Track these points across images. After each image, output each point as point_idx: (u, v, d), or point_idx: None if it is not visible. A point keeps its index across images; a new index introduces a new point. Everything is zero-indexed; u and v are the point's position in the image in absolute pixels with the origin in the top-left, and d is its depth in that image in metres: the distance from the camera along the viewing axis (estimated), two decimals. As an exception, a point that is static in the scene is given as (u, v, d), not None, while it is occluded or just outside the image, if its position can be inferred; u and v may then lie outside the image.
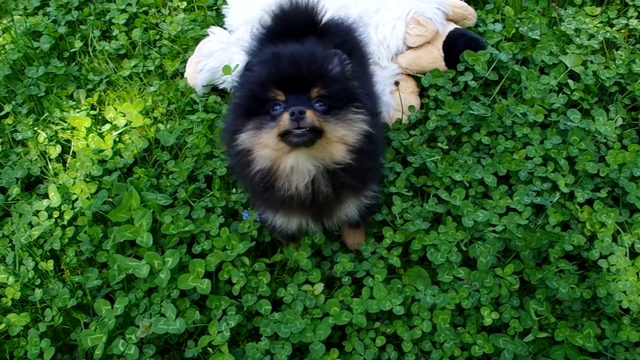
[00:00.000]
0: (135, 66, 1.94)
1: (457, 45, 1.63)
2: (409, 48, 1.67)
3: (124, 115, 1.75)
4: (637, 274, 1.31)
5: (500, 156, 1.47)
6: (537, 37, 1.66)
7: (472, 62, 1.59)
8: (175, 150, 1.66)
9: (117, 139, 1.70)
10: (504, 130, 1.52)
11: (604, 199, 1.41)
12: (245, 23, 1.77)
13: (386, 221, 1.42)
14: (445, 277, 1.32)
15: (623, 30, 1.72)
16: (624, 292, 1.28)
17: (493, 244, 1.32)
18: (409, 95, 1.64)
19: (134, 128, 1.71)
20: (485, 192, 1.44)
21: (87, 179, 1.59)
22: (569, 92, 1.56)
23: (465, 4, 1.76)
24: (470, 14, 1.76)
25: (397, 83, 1.61)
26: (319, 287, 1.33)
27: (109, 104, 1.85)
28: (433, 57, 1.65)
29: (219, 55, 1.77)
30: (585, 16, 1.71)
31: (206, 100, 1.75)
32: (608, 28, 1.69)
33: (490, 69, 1.59)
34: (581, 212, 1.39)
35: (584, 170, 1.43)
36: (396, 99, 1.61)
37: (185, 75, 1.85)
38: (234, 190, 1.52)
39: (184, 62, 1.90)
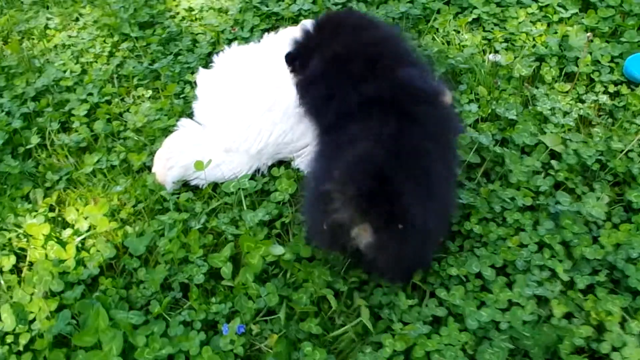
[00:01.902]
0: (98, 161, 1.77)
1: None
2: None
3: (86, 218, 1.57)
4: (651, 363, 1.20)
5: (494, 245, 1.36)
6: (514, 117, 1.60)
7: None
8: (145, 254, 1.48)
9: (79, 246, 1.51)
10: (494, 217, 1.42)
11: (603, 283, 1.31)
12: (218, 121, 1.63)
13: (382, 318, 1.28)
14: (454, 387, 1.17)
15: (593, 105, 1.68)
16: (642, 386, 1.16)
17: (502, 348, 1.19)
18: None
19: (99, 234, 1.53)
20: (483, 285, 1.32)
21: (47, 296, 1.39)
22: (553, 173, 1.49)
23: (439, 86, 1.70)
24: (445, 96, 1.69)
25: None
26: (319, 411, 1.16)
27: (69, 204, 1.66)
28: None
29: (192, 151, 1.62)
30: (558, 94, 1.66)
31: (177, 198, 1.59)
32: (580, 104, 1.65)
33: (472, 151, 1.51)
34: (585, 300, 1.28)
35: (582, 256, 1.33)
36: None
37: (153, 171, 1.69)
38: (213, 300, 1.35)
39: (151, 154, 1.75)
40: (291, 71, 1.38)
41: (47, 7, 2.51)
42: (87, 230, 1.54)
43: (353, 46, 1.25)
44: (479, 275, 1.33)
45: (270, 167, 1.65)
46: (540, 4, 1.97)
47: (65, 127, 1.95)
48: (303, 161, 1.60)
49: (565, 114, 1.61)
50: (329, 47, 1.27)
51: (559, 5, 1.94)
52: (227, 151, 1.60)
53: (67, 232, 1.54)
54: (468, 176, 1.53)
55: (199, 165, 1.57)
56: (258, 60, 1.66)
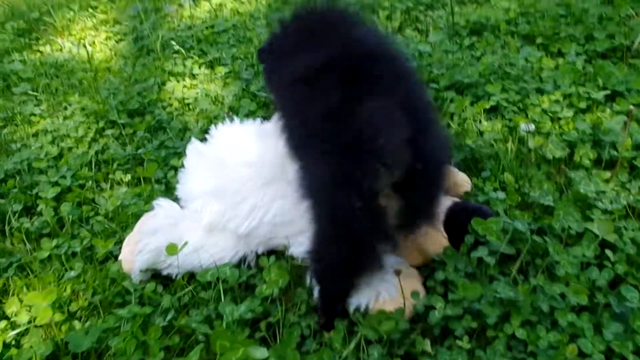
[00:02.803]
0: (57, 247, 1.51)
1: (459, 220, 1.31)
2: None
3: (30, 309, 1.27)
4: None
5: (545, 355, 1.05)
6: (551, 204, 1.36)
7: (482, 232, 1.25)
8: (92, 359, 1.16)
9: (12, 342, 1.20)
10: (541, 319, 1.12)
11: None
12: (206, 193, 1.40)
13: None
14: None
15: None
16: None
17: None
18: (411, 282, 1.24)
19: (39, 326, 1.22)
20: (535, 410, 0.99)
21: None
22: (609, 265, 1.21)
23: (455, 169, 1.49)
24: (462, 179, 1.48)
25: (398, 272, 1.20)
26: None
27: (14, 294, 1.37)
28: (435, 240, 1.30)
29: (166, 233, 1.37)
30: (599, 179, 1.44)
31: (143, 289, 1.31)
32: (628, 191, 1.42)
33: (506, 241, 1.25)
34: None
35: (663, 371, 1.01)
36: (397, 287, 1.21)
37: (119, 258, 1.42)
38: (171, 420, 1.01)
39: (119, 242, 1.49)
40: (260, 61, 1.43)
41: (36, 96, 2.40)
42: (27, 324, 1.24)
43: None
44: (529, 396, 1.00)
45: (257, 257, 1.39)
46: (563, 93, 1.82)
47: (29, 211, 1.72)
48: (301, 249, 1.34)
49: (612, 200, 1.38)
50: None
51: (585, 93, 1.80)
52: (210, 231, 1.35)
53: (1, 324, 1.24)
54: (501, 270, 1.26)
55: (172, 249, 1.31)
56: (259, 133, 1.46)
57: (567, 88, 1.84)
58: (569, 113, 1.72)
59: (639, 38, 2.07)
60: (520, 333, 1.09)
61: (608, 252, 1.22)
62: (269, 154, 1.37)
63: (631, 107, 1.44)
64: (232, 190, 1.33)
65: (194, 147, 1.52)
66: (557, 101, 1.78)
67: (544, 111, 1.76)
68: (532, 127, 1.57)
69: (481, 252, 1.22)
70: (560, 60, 2.02)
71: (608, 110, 1.69)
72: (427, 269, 1.28)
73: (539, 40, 2.19)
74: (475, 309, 1.14)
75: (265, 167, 1.34)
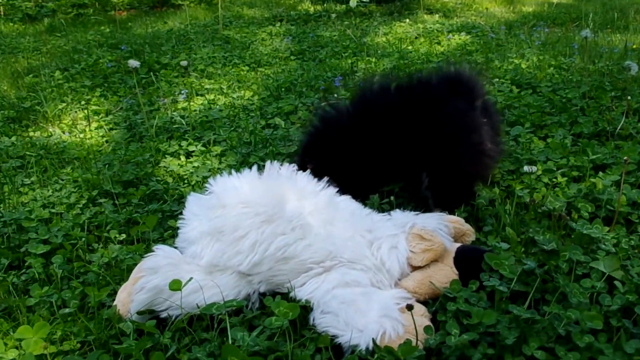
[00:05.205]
0: (47, 295, 1.52)
1: (469, 257, 1.40)
2: (415, 268, 1.41)
3: (19, 345, 1.25)
4: None
5: (567, 375, 1.08)
6: (555, 248, 1.46)
7: (495, 266, 1.32)
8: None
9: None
10: (558, 343, 1.16)
11: None
12: (205, 234, 1.46)
13: None
14: None
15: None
16: None
17: None
18: (420, 318, 1.28)
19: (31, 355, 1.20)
20: None
21: None
22: (619, 293, 1.28)
23: (462, 219, 1.59)
24: (468, 229, 1.57)
25: (410, 307, 1.23)
26: None
27: (-2, 337, 1.36)
28: (446, 276, 1.38)
29: (167, 271, 1.40)
30: (599, 226, 1.55)
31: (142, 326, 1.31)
32: (630, 237, 1.53)
33: (517, 276, 1.32)
34: None
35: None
36: (408, 320, 1.25)
37: (115, 302, 1.43)
38: None
39: (113, 295, 1.50)
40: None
41: (26, 170, 2.49)
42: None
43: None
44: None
45: (261, 301, 1.41)
46: (556, 164, 1.99)
47: (13, 265, 1.73)
48: (306, 290, 1.38)
49: (614, 245, 1.48)
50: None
51: (575, 163, 1.98)
52: (211, 271, 1.39)
53: (-15, 361, 1.22)
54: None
55: (176, 285, 1.34)
56: (256, 178, 1.57)
57: (558, 160, 2.02)
58: (562, 179, 1.88)
59: (621, 124, 2.31)
60: (540, 354, 1.12)
61: (617, 283, 1.30)
62: (266, 194, 1.47)
63: (625, 158, 1.59)
64: (231, 228, 1.40)
65: (194, 196, 1.60)
66: (550, 170, 1.95)
67: (539, 179, 1.91)
68: (535, 168, 1.71)
69: (493, 282, 1.28)
70: (550, 140, 2.23)
71: (600, 175, 1.85)
72: (430, 307, 1.33)
73: (527, 125, 2.41)
74: (491, 333, 1.18)
75: (263, 206, 1.43)
